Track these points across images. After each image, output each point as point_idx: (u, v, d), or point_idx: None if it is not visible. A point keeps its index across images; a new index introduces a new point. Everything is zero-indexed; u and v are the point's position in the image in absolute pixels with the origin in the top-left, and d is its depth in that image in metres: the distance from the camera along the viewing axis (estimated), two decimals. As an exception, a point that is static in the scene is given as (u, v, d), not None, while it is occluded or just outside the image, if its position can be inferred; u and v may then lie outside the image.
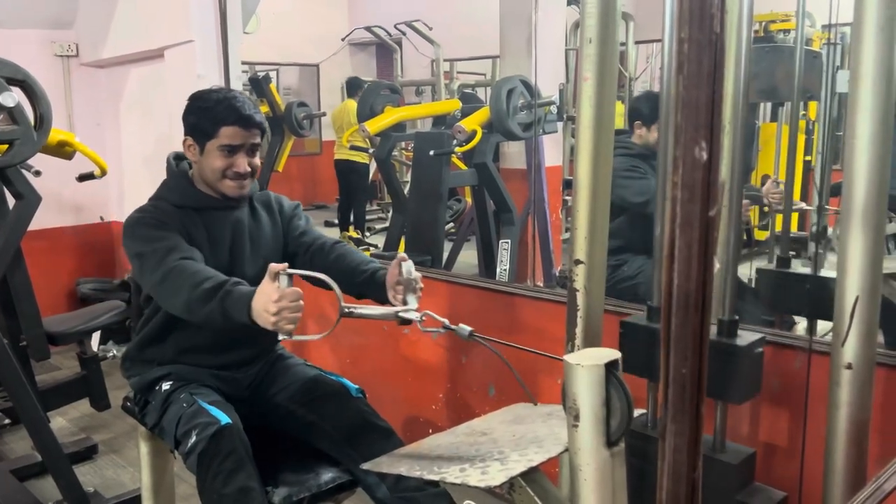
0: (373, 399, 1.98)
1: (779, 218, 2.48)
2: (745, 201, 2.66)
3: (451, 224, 5.02)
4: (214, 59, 3.30)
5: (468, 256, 4.53)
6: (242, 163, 1.84)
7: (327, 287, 1.52)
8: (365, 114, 4.70)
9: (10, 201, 2.72)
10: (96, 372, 2.89)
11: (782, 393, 1.85)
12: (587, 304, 1.63)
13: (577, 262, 1.61)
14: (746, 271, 3.22)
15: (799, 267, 2.33)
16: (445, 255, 4.21)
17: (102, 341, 3.24)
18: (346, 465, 1.85)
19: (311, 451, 1.90)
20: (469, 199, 4.51)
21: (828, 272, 2.09)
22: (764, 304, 2.38)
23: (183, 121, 1.87)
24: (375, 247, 5.73)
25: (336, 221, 6.83)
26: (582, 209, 1.60)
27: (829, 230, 2.66)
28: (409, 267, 1.66)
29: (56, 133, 2.88)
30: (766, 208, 2.76)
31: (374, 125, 4.47)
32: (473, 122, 3.78)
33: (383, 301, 1.75)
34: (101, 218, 4.59)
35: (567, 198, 3.88)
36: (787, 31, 4.81)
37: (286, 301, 1.45)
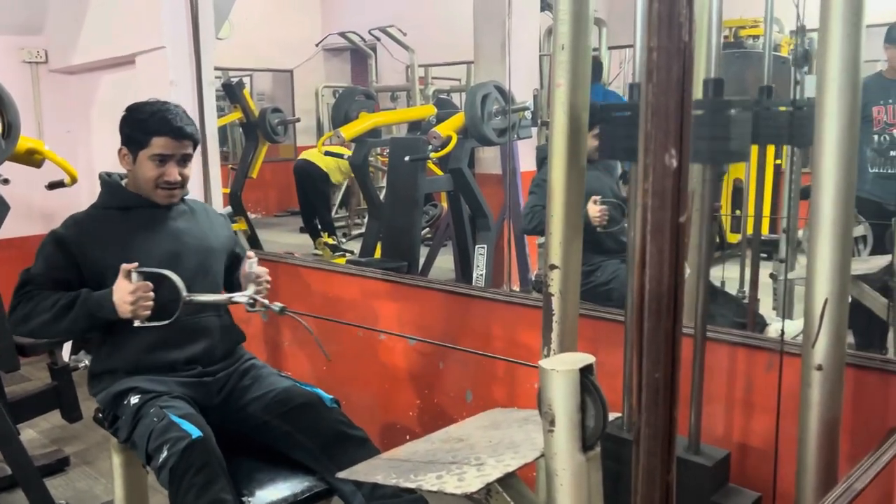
0: (349, 407, 1.97)
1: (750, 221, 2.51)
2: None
3: (427, 229, 5.01)
4: (187, 66, 3.26)
5: (444, 261, 4.53)
6: (173, 172, 1.96)
7: (170, 280, 1.83)
8: (339, 119, 4.68)
9: (-21, 210, 2.67)
10: (67, 383, 2.84)
11: (755, 394, 1.88)
12: (562, 309, 1.63)
13: (553, 266, 1.62)
14: (719, 274, 3.26)
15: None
16: (422, 260, 4.21)
17: (74, 351, 3.18)
18: (322, 474, 1.84)
19: (287, 460, 1.89)
20: (445, 205, 4.50)
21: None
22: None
23: (119, 131, 1.99)
24: (352, 253, 5.69)
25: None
26: (556, 214, 1.61)
27: (800, 232, 2.71)
28: (251, 263, 1.99)
29: (25, 141, 2.84)
30: (598, 228, 2.84)
31: (349, 131, 4.45)
32: (448, 128, 3.78)
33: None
34: (72, 226, 4.51)
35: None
36: (756, 38, 4.89)
37: (140, 292, 1.79)
